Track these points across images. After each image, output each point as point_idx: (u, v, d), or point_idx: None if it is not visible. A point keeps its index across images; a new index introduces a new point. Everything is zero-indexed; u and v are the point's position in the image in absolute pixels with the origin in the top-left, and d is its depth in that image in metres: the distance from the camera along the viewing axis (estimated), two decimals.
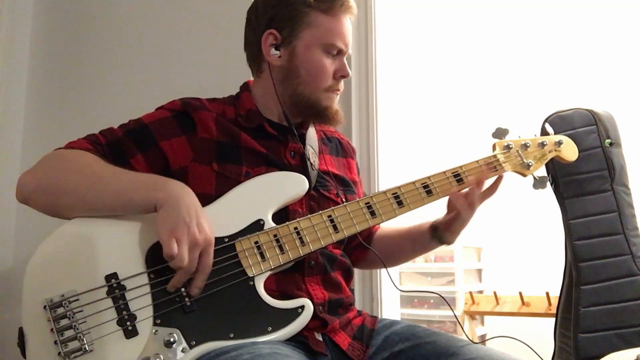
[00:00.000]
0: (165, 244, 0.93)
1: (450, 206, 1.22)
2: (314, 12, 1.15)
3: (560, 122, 1.71)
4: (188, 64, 1.80)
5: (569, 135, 1.67)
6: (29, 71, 2.07)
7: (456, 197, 1.18)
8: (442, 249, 3.27)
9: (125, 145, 1.11)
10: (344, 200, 1.20)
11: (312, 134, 1.25)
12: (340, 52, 1.18)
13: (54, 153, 1.09)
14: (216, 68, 1.73)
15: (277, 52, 1.16)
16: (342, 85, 1.21)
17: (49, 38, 2.08)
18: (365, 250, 1.33)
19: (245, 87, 1.26)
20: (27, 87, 2.06)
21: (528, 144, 1.29)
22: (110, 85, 1.93)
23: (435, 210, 1.27)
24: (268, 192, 1.09)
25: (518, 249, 3.46)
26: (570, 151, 1.37)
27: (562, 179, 1.70)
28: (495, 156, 1.25)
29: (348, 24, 1.19)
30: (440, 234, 1.25)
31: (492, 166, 1.23)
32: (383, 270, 1.78)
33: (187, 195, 0.99)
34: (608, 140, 1.68)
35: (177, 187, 1.00)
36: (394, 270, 1.70)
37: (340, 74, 1.18)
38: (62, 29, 2.08)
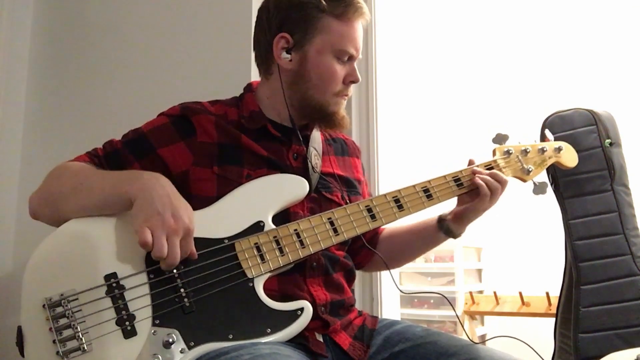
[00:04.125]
0: (138, 232, 0.92)
1: (462, 199, 1.22)
2: (326, 17, 1.14)
3: (560, 122, 1.71)
4: (189, 65, 1.80)
5: (569, 135, 1.68)
6: (29, 71, 2.07)
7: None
8: (442, 249, 3.28)
9: (123, 154, 1.13)
10: (347, 201, 1.20)
11: (316, 135, 1.25)
12: (351, 58, 1.17)
13: (54, 168, 1.11)
14: (218, 70, 1.73)
15: (289, 55, 1.15)
16: (351, 90, 1.21)
17: (49, 39, 2.08)
18: (371, 251, 1.33)
19: (249, 88, 1.26)
20: (27, 87, 2.05)
21: (528, 150, 1.30)
22: (111, 87, 1.93)
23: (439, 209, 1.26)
24: (268, 193, 1.09)
25: (518, 249, 3.46)
26: (569, 157, 1.39)
27: (562, 179, 1.69)
28: (495, 161, 1.26)
29: (360, 29, 1.18)
30: (447, 225, 1.25)
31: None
32: (383, 270, 1.78)
33: (160, 185, 0.98)
34: (608, 140, 1.68)
35: (150, 178, 1.00)
36: (394, 270, 1.70)
37: (350, 79, 1.18)
38: (62, 29, 2.07)
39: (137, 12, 1.94)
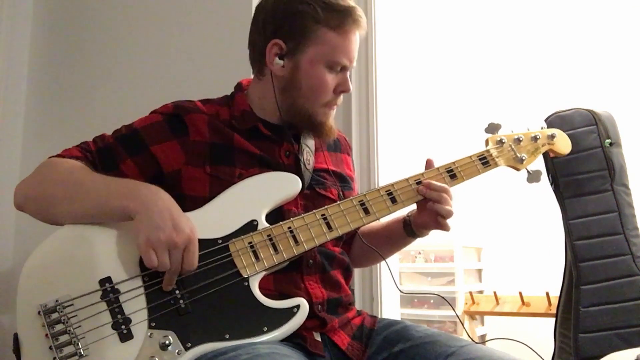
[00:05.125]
0: (143, 255, 0.93)
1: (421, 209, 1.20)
2: (322, 29, 1.12)
3: (560, 122, 1.71)
4: (188, 64, 1.80)
5: (569, 135, 1.67)
6: (29, 71, 2.07)
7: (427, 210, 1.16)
8: (442, 249, 3.28)
9: (116, 150, 1.12)
10: (342, 197, 1.19)
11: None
12: (343, 68, 1.16)
13: (46, 162, 1.11)
14: (216, 68, 1.73)
15: (281, 62, 1.14)
16: (340, 99, 1.20)
17: (49, 38, 2.08)
18: (348, 247, 1.32)
19: (239, 87, 1.26)
20: (27, 87, 2.06)
21: (521, 138, 1.29)
22: (110, 86, 1.93)
23: None
24: (261, 192, 1.08)
25: (518, 249, 3.46)
26: (563, 144, 1.36)
27: (562, 179, 1.69)
28: (488, 151, 1.25)
29: (356, 40, 1.16)
30: (412, 229, 1.23)
31: (485, 161, 1.23)
32: (383, 270, 1.78)
33: (159, 199, 0.98)
34: (608, 140, 1.67)
35: (148, 192, 0.99)
36: (394, 270, 1.69)
37: (341, 89, 1.17)
38: (62, 29, 2.07)
39: (137, 11, 1.94)
